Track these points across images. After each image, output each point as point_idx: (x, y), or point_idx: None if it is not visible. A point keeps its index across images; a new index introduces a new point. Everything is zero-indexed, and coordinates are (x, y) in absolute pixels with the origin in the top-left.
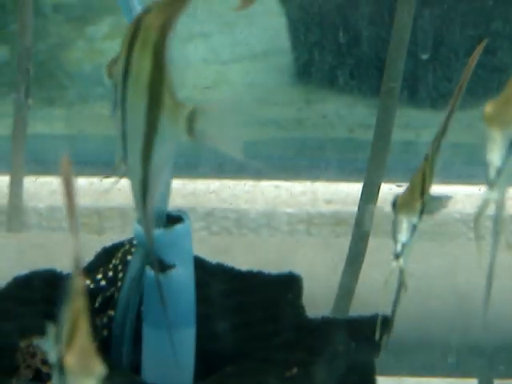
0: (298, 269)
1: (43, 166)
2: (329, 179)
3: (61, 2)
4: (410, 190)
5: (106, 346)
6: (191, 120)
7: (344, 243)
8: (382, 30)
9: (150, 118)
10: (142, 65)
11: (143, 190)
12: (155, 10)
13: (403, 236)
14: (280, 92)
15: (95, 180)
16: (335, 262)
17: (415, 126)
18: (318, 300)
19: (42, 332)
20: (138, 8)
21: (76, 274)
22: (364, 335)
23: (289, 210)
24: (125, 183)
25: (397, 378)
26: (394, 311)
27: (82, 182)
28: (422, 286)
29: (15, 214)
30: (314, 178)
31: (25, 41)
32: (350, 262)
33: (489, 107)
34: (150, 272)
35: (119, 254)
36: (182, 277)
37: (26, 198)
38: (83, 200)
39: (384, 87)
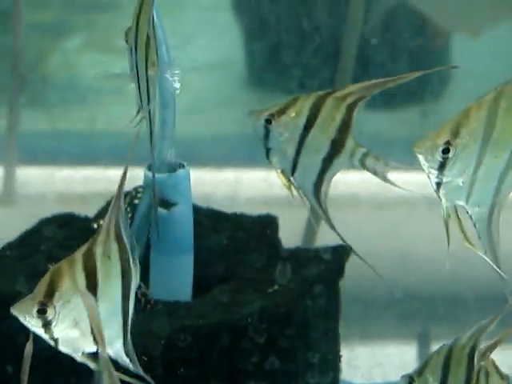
0: None
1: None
2: None
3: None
4: None
5: None
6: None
7: None
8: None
9: (147, 74)
10: (143, 30)
11: (150, 129)
12: None
13: None
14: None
15: None
16: None
17: None
18: None
19: None
20: None
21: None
22: (331, 261)
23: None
24: None
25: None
26: None
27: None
28: None
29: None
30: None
31: (17, 49)
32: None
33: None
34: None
35: (127, 199)
36: (183, 213)
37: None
38: None
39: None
